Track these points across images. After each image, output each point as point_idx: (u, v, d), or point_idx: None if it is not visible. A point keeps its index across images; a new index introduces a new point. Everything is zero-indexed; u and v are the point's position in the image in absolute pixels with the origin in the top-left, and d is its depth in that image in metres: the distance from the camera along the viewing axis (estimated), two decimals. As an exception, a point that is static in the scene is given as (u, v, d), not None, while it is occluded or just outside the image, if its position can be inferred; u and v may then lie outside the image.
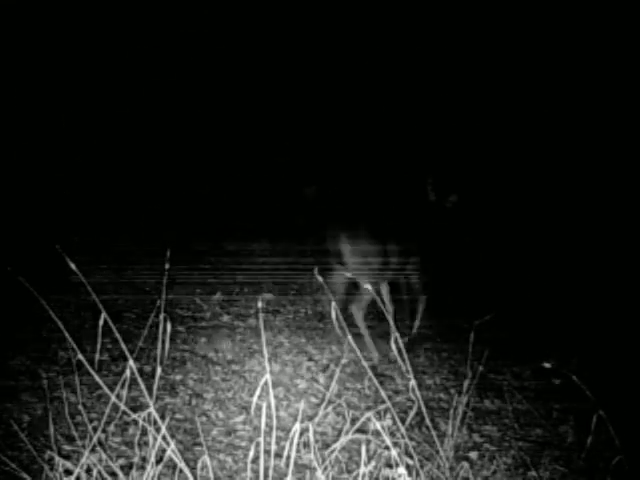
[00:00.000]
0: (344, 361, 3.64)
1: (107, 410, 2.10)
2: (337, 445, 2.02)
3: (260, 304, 4.66)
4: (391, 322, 2.18)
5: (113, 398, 1.94)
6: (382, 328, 3.89)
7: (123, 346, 1.91)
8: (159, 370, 2.03)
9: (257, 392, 1.84)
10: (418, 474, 2.26)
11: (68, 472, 1.96)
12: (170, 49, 7.91)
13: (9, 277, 2.32)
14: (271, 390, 1.86)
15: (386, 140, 7.82)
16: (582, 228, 6.56)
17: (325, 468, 2.10)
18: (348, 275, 3.52)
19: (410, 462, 2.18)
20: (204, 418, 2.95)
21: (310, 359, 3.73)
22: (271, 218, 7.05)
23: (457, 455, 2.69)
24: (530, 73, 7.58)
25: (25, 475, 2.18)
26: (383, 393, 2.16)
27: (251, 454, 1.88)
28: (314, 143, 7.86)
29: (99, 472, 2.01)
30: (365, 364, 2.31)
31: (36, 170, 7.19)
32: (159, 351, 2.02)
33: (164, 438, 1.88)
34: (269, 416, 1.89)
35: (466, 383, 2.66)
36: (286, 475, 1.94)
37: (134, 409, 2.68)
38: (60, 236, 4.83)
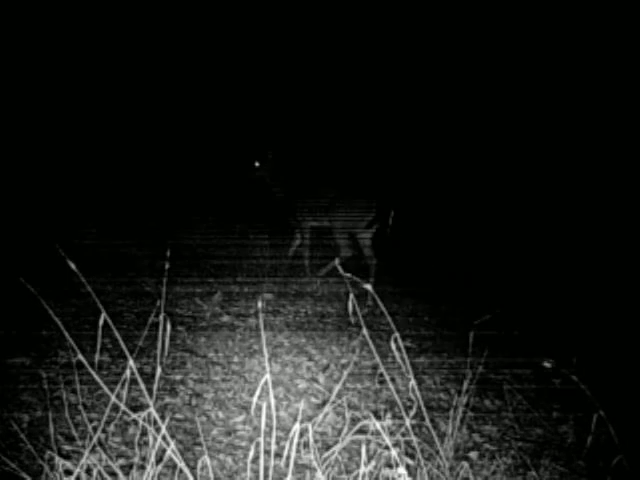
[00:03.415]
0: (344, 361, 3.64)
1: (107, 410, 2.10)
2: (337, 446, 2.02)
3: (260, 304, 4.66)
4: (391, 323, 2.18)
5: (113, 398, 1.93)
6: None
7: (123, 346, 1.91)
8: (159, 370, 2.03)
9: (257, 392, 1.84)
10: (418, 474, 2.26)
11: (68, 472, 1.96)
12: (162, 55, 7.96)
13: (9, 277, 2.32)
14: (271, 390, 1.86)
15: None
16: (582, 228, 6.57)
17: (325, 468, 2.10)
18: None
19: (410, 462, 2.18)
20: (204, 418, 2.94)
21: (310, 359, 3.73)
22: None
23: (457, 455, 2.69)
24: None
25: (25, 475, 2.18)
26: (383, 393, 2.16)
27: (251, 454, 1.88)
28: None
29: (99, 472, 2.01)
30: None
31: (36, 170, 7.20)
32: (159, 351, 2.02)
33: (164, 438, 1.88)
34: (269, 416, 1.89)
35: (466, 383, 2.66)
36: (286, 475, 1.94)
37: (134, 409, 2.69)
38: (60, 236, 4.84)
